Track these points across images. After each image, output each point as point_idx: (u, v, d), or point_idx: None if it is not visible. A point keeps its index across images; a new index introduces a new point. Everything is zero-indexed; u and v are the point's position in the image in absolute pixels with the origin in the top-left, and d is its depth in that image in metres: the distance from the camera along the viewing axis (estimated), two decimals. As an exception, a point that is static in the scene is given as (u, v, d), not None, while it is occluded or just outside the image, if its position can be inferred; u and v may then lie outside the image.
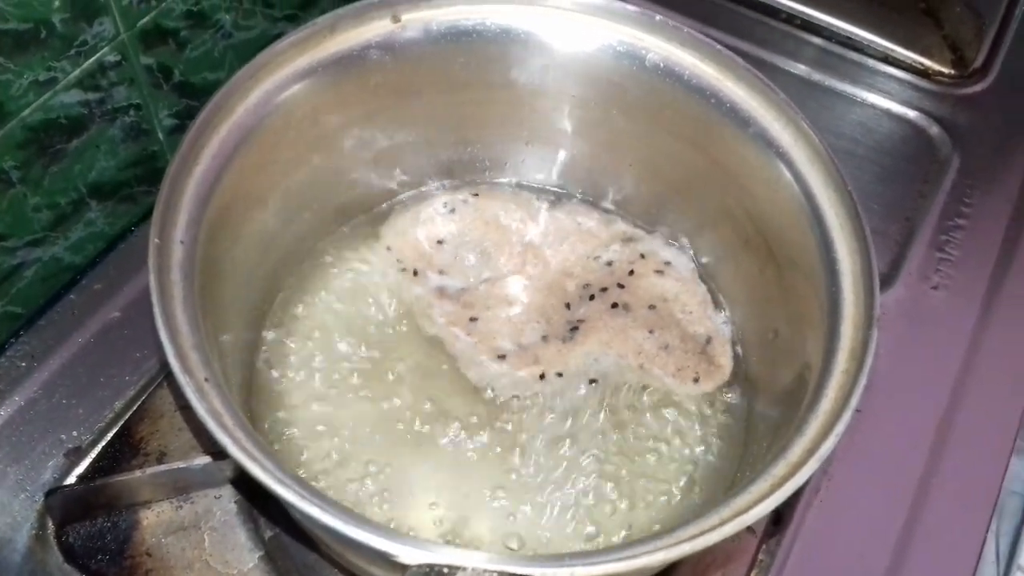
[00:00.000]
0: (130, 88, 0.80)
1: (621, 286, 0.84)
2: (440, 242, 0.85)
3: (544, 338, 0.81)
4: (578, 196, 0.90)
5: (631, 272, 0.85)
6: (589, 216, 0.88)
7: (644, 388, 0.79)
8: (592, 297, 0.83)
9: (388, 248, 0.85)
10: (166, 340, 0.56)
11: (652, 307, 0.83)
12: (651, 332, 0.81)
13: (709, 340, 0.81)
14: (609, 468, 0.74)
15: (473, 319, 0.81)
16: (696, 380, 0.79)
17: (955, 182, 1.02)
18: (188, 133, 0.65)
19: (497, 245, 0.86)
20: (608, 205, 0.89)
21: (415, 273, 0.83)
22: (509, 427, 0.76)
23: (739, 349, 0.81)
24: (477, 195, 0.88)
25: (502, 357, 0.79)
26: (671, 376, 0.79)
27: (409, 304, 0.82)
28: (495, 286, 0.84)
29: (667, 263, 0.86)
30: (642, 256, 0.86)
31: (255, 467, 0.52)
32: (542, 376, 0.78)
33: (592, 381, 0.78)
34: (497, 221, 0.87)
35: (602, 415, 0.77)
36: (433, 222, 0.86)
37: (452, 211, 0.87)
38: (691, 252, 0.86)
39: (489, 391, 0.77)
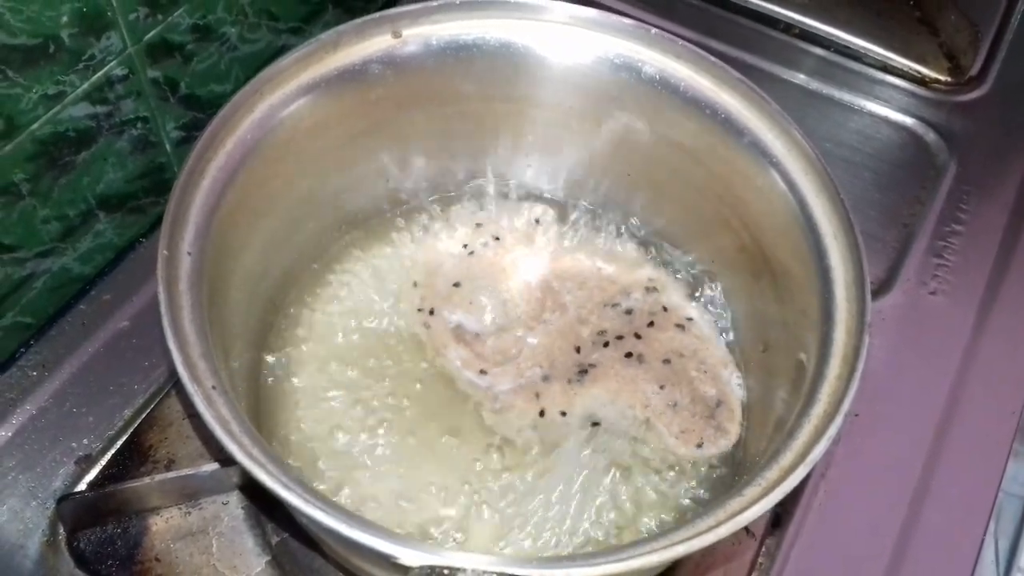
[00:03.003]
0: (137, 101, 0.82)
1: (638, 336, 0.82)
2: (456, 285, 0.84)
3: (545, 378, 0.80)
4: (582, 208, 0.91)
5: (651, 323, 0.83)
6: (610, 261, 0.87)
7: (645, 444, 0.77)
8: (607, 344, 0.81)
9: (403, 279, 0.85)
10: (174, 349, 0.57)
11: (667, 361, 0.80)
12: (661, 387, 0.79)
13: (719, 404, 0.79)
14: (602, 515, 0.73)
15: (483, 372, 0.80)
16: (700, 445, 0.77)
17: (952, 188, 1.03)
18: (195, 148, 0.66)
19: (514, 291, 0.85)
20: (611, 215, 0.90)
21: (431, 312, 0.83)
22: (506, 461, 0.75)
23: (737, 355, 0.82)
24: (498, 239, 0.87)
25: (497, 398, 0.79)
26: (674, 437, 0.77)
27: (418, 333, 0.82)
28: (508, 334, 0.82)
29: (689, 319, 0.84)
30: (664, 309, 0.84)
31: (261, 472, 0.53)
32: (542, 413, 0.78)
33: (595, 424, 0.77)
34: (515, 267, 0.86)
35: (599, 462, 0.76)
36: (452, 263, 0.86)
37: (471, 254, 0.86)
38: (707, 286, 0.86)
39: (487, 419, 0.77)
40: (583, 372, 0.80)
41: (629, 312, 0.84)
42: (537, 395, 0.79)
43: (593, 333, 0.82)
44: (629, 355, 0.81)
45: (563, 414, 0.78)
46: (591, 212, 0.90)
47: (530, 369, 0.80)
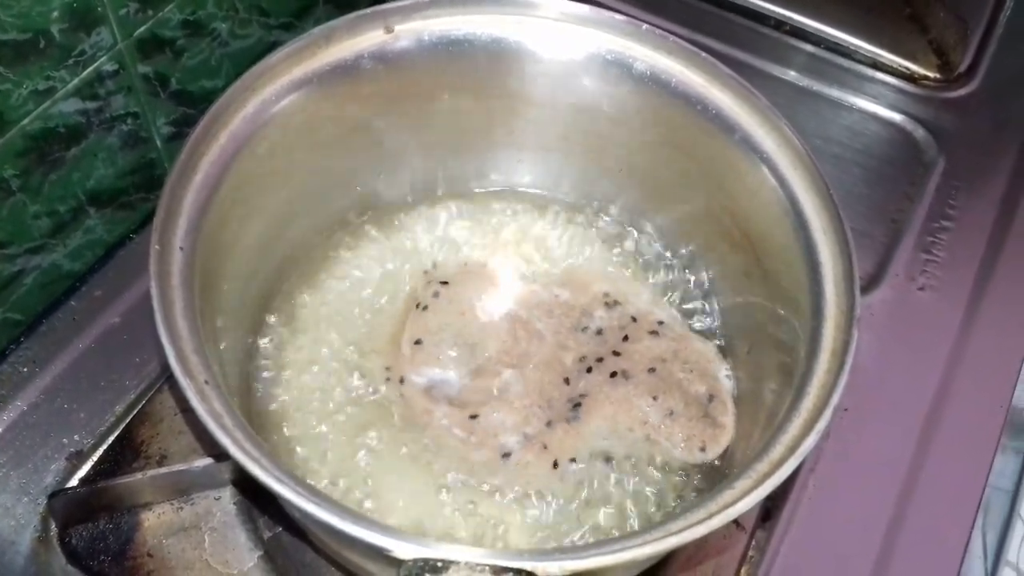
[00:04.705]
0: (128, 97, 0.82)
1: (617, 353, 0.80)
2: (418, 342, 0.80)
3: (549, 423, 0.76)
4: (568, 204, 0.91)
5: (625, 337, 0.81)
6: (563, 285, 0.85)
7: (654, 463, 0.76)
8: (590, 370, 0.79)
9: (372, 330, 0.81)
10: (167, 344, 0.57)
11: (652, 370, 0.79)
12: (654, 399, 0.77)
13: (711, 398, 0.78)
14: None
15: (473, 416, 0.76)
16: (703, 449, 0.76)
17: (940, 184, 1.03)
18: (187, 143, 0.66)
19: (480, 332, 0.81)
20: (602, 211, 0.90)
21: (401, 381, 0.78)
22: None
23: (727, 348, 0.82)
24: (447, 283, 0.83)
25: (507, 455, 0.75)
26: (679, 447, 0.76)
27: (394, 401, 0.78)
28: (488, 375, 0.79)
29: (660, 322, 0.82)
30: (633, 319, 0.82)
31: (254, 466, 0.53)
32: (555, 465, 0.75)
33: (607, 460, 0.75)
34: (473, 309, 0.83)
35: (619, 495, 0.74)
36: (409, 322, 0.81)
37: (424, 309, 0.82)
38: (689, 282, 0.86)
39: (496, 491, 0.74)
40: (577, 406, 0.77)
41: (600, 332, 0.82)
42: (545, 446, 0.75)
43: (575, 360, 0.80)
44: (614, 374, 0.79)
45: (573, 460, 0.75)
46: (582, 208, 0.90)
47: (528, 409, 0.77)
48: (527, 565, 0.51)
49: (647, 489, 0.75)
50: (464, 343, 0.81)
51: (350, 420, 0.76)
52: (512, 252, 0.87)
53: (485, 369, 0.79)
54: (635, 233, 0.89)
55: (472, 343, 0.81)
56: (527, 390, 0.78)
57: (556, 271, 0.86)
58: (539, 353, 0.80)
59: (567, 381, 0.79)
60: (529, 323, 0.82)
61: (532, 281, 0.86)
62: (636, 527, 0.73)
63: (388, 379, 0.79)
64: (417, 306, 0.82)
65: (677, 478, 0.76)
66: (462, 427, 0.76)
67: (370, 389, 0.78)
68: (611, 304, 0.84)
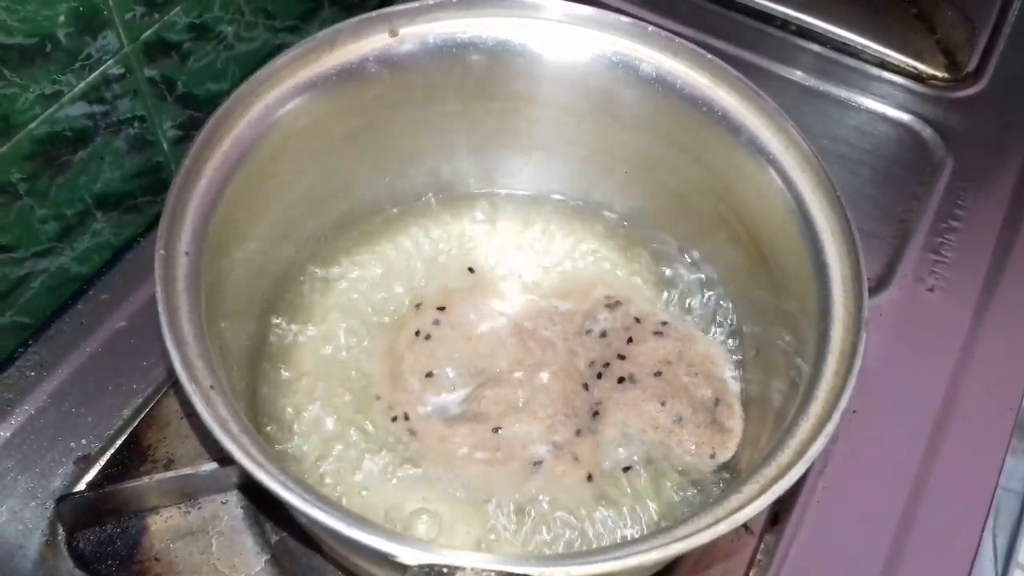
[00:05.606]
0: (134, 100, 0.82)
1: (622, 357, 0.80)
2: (429, 375, 0.79)
3: (578, 432, 0.76)
4: (570, 202, 0.91)
5: (629, 339, 0.81)
6: (564, 298, 0.84)
7: (672, 469, 0.76)
8: (600, 375, 0.79)
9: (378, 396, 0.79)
10: (172, 349, 0.57)
11: (658, 374, 0.79)
12: (663, 404, 0.77)
13: (717, 402, 0.78)
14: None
15: (496, 429, 0.76)
16: (712, 456, 0.76)
17: (949, 185, 1.03)
18: (192, 147, 0.66)
19: (491, 354, 0.80)
20: (608, 214, 0.90)
21: (407, 418, 0.77)
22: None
23: (734, 351, 0.82)
24: (443, 308, 0.82)
25: (538, 463, 0.75)
26: (689, 455, 0.75)
27: (406, 443, 0.76)
28: (507, 385, 0.78)
29: (664, 323, 0.82)
30: (637, 320, 0.82)
31: (260, 472, 0.53)
32: (590, 478, 0.74)
33: (626, 469, 0.75)
34: (477, 330, 0.82)
35: (646, 507, 0.74)
36: (414, 356, 0.80)
37: (428, 339, 0.81)
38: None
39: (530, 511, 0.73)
40: (596, 415, 0.77)
41: (604, 334, 0.82)
42: (577, 458, 0.75)
43: (587, 364, 0.80)
44: (622, 379, 0.79)
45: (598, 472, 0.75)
46: (587, 210, 0.90)
47: (553, 418, 0.76)
48: (533, 570, 0.51)
49: (671, 494, 0.75)
50: (477, 369, 0.80)
51: (360, 431, 0.76)
52: (515, 256, 0.87)
53: (503, 380, 0.78)
54: (640, 235, 0.88)
55: (484, 366, 0.80)
56: (551, 398, 0.77)
57: (558, 275, 0.86)
58: (555, 361, 0.80)
59: (586, 387, 0.79)
60: (536, 332, 0.81)
61: (532, 289, 0.85)
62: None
63: (394, 419, 0.77)
64: (417, 334, 0.81)
65: (692, 486, 0.75)
66: (485, 445, 0.75)
67: (381, 411, 0.77)
68: (612, 305, 0.83)
